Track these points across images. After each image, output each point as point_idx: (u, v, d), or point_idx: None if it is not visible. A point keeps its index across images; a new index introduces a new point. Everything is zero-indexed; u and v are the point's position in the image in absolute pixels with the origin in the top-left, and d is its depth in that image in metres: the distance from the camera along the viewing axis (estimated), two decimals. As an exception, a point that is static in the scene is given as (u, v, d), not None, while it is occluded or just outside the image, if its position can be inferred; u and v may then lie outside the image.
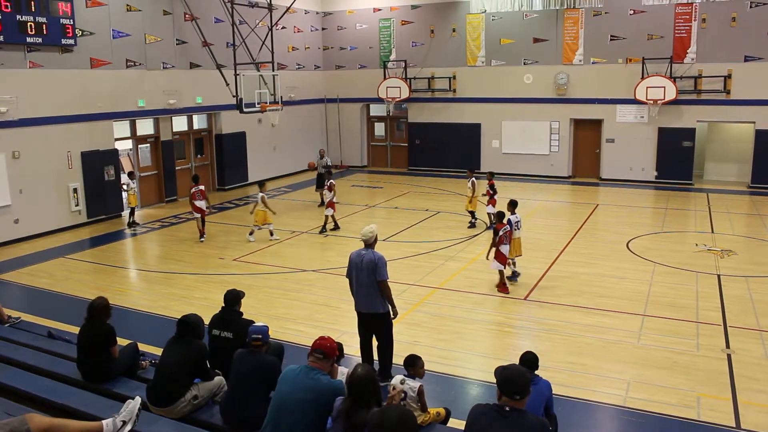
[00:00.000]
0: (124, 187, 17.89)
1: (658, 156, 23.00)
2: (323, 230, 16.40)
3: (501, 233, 11.62)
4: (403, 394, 6.02)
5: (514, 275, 12.39)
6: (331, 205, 16.39)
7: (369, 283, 7.80)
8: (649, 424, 7.30)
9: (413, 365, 6.20)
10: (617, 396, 7.92)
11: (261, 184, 16.23)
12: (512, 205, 12.58)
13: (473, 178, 16.61)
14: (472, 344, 9.74)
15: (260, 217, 15.52)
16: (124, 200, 18.12)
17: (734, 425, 7.23)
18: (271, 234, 15.76)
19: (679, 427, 7.23)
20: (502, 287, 11.78)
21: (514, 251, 12.28)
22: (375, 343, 8.18)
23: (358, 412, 4.77)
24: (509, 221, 12.00)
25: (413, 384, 6.06)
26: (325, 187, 16.82)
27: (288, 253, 14.64)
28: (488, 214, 15.84)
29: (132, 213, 17.72)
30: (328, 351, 5.34)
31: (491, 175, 16.36)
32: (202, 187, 15.92)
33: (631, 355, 9.08)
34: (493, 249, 11.72)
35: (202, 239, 15.85)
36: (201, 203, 15.76)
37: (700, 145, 23.32)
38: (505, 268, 11.83)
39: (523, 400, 4.34)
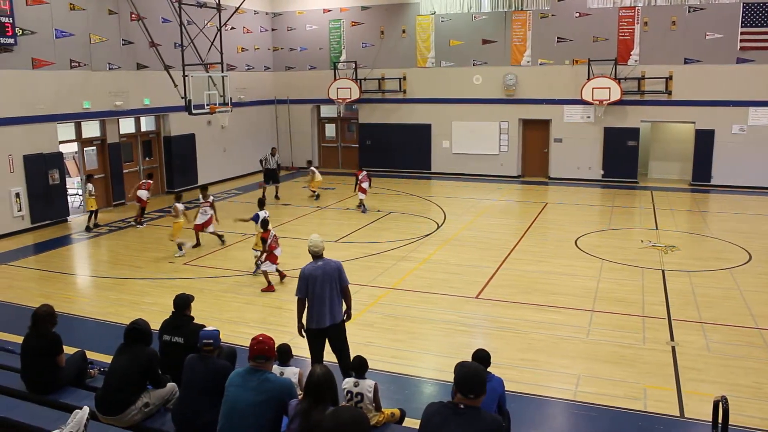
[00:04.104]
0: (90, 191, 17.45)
1: (604, 155, 23.55)
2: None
3: (270, 240, 12.13)
4: (359, 396, 6.02)
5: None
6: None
7: (333, 293, 7.46)
8: (598, 417, 7.48)
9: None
10: (568, 390, 8.09)
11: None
12: (260, 204, 14.01)
13: (312, 168, 21.14)
14: (425, 344, 9.81)
15: None
16: (73, 204, 17.66)
17: (678, 414, 7.47)
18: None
19: (626, 419, 7.43)
20: (269, 287, 12.10)
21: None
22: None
23: (315, 412, 4.76)
24: (256, 216, 13.04)
25: (368, 384, 6.07)
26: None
27: (239, 256, 14.47)
28: (360, 200, 19.11)
29: (93, 216, 17.36)
30: (269, 354, 5.36)
31: (360, 168, 20.13)
32: (151, 182, 17.98)
33: (581, 350, 9.29)
34: (265, 253, 12.19)
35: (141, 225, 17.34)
36: (144, 193, 17.42)
37: (644, 144, 23.98)
38: (276, 268, 12.27)
39: (478, 398, 4.32)
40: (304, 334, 7.64)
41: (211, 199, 15.39)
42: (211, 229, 15.14)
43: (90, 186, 17.27)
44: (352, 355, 6.74)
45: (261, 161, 21.68)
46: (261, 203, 14.22)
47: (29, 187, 17.07)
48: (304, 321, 7.61)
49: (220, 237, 15.41)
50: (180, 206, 14.73)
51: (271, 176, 21.23)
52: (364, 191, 19.08)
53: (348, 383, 6.13)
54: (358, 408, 5.87)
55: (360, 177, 19.22)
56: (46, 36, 17.45)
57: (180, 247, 14.67)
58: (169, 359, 6.46)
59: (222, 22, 21.20)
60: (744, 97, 21.56)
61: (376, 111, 26.59)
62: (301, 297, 7.50)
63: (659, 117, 23.05)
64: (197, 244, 15.15)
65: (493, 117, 24.78)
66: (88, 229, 17.19)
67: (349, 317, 7.83)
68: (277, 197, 21.03)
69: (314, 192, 21.12)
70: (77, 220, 18.43)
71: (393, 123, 26.30)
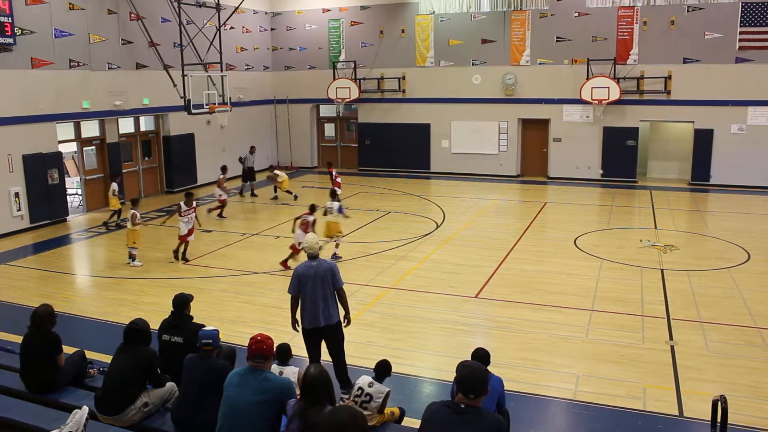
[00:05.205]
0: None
1: (604, 154, 23.55)
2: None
3: (299, 223, 13.31)
4: (367, 397, 6.01)
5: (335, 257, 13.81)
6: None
7: (326, 294, 7.48)
8: (598, 416, 7.49)
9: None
10: (567, 390, 8.09)
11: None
12: (332, 194, 14.68)
13: (276, 170, 21.19)
14: (424, 343, 9.81)
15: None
16: (72, 204, 17.66)
17: (677, 414, 7.48)
18: None
19: (626, 418, 7.43)
20: (284, 263, 13.32)
21: (329, 231, 13.97)
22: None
23: (312, 412, 4.76)
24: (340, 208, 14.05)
25: (381, 389, 6.06)
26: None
27: (239, 256, 14.48)
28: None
29: (116, 215, 17.65)
30: (267, 353, 5.36)
31: (329, 165, 20.26)
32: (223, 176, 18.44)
33: (580, 350, 9.29)
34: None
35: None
36: (216, 191, 18.25)
37: (643, 143, 24.00)
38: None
39: (479, 398, 4.31)
40: (297, 328, 7.73)
41: (194, 205, 14.59)
42: (192, 237, 14.36)
43: (114, 186, 17.46)
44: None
45: (241, 159, 22.01)
46: (333, 194, 14.76)
47: (28, 187, 17.06)
48: (298, 317, 7.71)
49: (185, 253, 14.28)
50: (138, 214, 13.99)
51: (249, 175, 21.73)
52: (339, 185, 18.98)
53: (363, 381, 6.14)
54: (361, 408, 5.87)
55: (334, 173, 19.19)
56: (46, 36, 17.44)
57: (133, 256, 13.94)
58: (169, 359, 6.47)
59: (221, 21, 21.20)
60: (743, 96, 21.57)
61: (376, 110, 26.59)
62: (293, 295, 7.63)
63: (658, 116, 23.06)
64: (177, 254, 14.40)
65: (493, 117, 24.78)
66: (115, 225, 17.50)
67: (348, 322, 7.80)
68: (253, 194, 21.66)
69: (276, 193, 21.26)
70: (76, 220, 18.44)
71: (392, 122, 26.29)
